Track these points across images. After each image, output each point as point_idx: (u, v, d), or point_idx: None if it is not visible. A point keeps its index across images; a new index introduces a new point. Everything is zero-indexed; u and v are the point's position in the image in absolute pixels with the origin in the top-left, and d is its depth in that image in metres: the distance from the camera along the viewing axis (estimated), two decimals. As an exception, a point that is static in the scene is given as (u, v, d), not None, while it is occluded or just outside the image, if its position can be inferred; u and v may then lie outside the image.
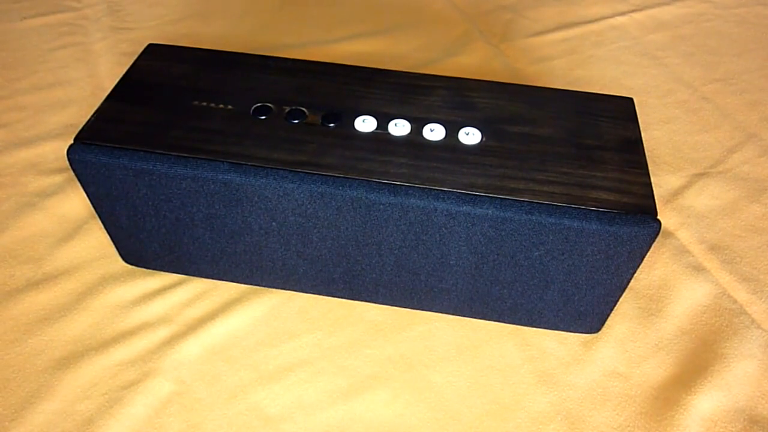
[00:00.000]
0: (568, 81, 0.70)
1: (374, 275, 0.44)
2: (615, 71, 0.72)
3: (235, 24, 0.77)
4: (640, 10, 0.81)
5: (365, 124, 0.41)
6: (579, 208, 0.37)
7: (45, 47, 0.72)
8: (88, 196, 0.42)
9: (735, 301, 0.49)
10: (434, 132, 0.41)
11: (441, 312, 0.47)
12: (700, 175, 0.59)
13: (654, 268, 0.51)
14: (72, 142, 0.40)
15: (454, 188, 0.38)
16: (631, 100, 0.45)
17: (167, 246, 0.45)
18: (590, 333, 0.46)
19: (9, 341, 0.45)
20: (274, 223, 0.41)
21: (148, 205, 0.42)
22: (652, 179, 0.57)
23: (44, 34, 0.74)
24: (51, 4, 0.79)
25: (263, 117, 0.42)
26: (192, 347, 0.45)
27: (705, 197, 0.57)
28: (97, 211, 0.44)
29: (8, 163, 0.58)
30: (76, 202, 0.54)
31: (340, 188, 0.38)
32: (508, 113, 0.43)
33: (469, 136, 0.41)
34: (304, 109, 0.42)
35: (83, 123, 0.51)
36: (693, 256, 0.52)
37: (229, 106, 0.42)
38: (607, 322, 0.47)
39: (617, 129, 0.43)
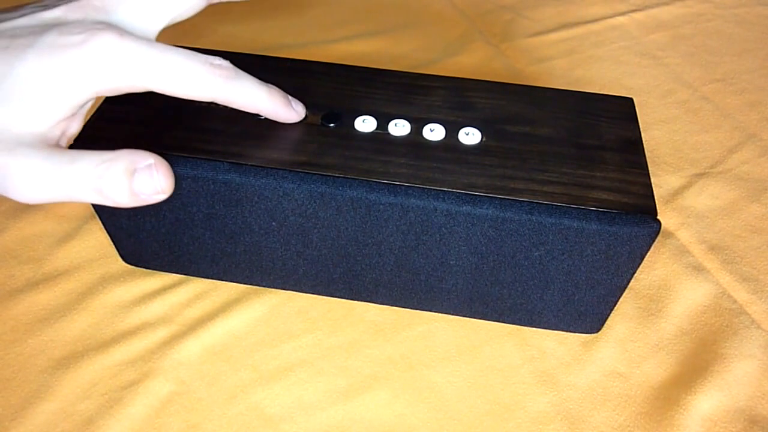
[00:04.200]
0: (568, 81, 0.70)
1: (374, 275, 0.44)
2: (615, 71, 0.72)
3: (235, 24, 0.77)
4: (640, 10, 0.81)
5: (365, 124, 0.41)
6: (579, 208, 0.37)
7: (45, 47, 0.72)
8: (88, 196, 0.42)
9: (735, 301, 0.49)
10: (434, 132, 0.41)
11: (441, 312, 0.47)
12: (700, 175, 0.59)
13: (654, 268, 0.51)
14: (72, 142, 0.40)
15: (454, 188, 0.38)
16: (631, 100, 0.45)
17: (167, 246, 0.45)
18: (590, 333, 0.46)
19: (9, 341, 0.45)
20: (274, 223, 0.41)
21: (147, 205, 0.41)
22: (652, 179, 0.57)
23: (44, 34, 0.74)
24: (51, 4, 0.79)
25: (263, 117, 0.41)
26: (192, 347, 0.45)
27: (705, 197, 0.57)
28: (97, 211, 0.44)
29: (8, 163, 0.58)
30: (76, 202, 0.54)
31: (340, 188, 0.38)
32: (508, 113, 0.43)
33: (469, 136, 0.41)
34: (304, 109, 0.42)
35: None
36: (693, 256, 0.52)
37: (229, 106, 0.42)
38: (607, 322, 0.47)
39: (617, 129, 0.43)
